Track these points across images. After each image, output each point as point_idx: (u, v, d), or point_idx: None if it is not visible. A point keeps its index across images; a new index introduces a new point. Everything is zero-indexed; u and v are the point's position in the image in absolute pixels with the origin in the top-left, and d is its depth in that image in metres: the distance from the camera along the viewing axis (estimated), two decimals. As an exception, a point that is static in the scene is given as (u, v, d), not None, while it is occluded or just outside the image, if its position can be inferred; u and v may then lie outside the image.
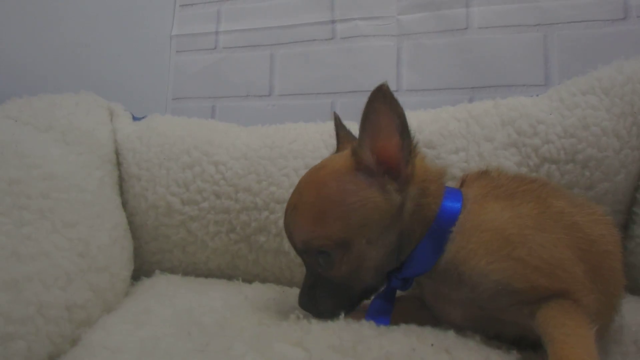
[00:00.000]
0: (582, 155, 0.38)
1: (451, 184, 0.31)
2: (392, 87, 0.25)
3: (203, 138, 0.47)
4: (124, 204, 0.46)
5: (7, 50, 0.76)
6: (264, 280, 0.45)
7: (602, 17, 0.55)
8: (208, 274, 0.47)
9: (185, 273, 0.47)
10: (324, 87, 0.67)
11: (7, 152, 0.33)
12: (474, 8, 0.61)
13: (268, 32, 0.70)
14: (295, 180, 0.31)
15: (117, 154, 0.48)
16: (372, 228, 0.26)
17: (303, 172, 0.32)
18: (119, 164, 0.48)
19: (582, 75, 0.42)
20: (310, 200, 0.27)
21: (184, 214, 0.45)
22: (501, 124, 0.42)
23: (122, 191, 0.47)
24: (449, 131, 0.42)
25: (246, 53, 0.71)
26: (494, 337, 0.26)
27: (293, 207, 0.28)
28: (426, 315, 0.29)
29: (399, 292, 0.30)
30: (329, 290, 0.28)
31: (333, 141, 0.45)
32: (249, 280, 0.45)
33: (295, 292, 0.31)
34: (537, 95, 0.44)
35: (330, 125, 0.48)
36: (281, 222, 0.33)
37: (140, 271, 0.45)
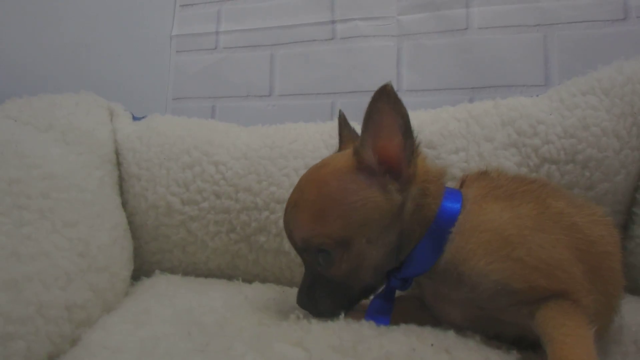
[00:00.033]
0: (582, 156, 0.38)
1: (451, 184, 0.31)
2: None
3: (203, 138, 0.48)
4: (124, 204, 0.46)
5: (7, 50, 0.76)
6: (264, 280, 0.45)
7: (602, 18, 0.55)
8: (208, 274, 0.47)
9: (185, 273, 0.47)
10: (324, 87, 0.67)
11: (7, 151, 0.33)
12: (474, 8, 0.61)
13: (268, 32, 0.70)
14: (296, 180, 0.31)
15: (117, 153, 0.48)
16: (373, 227, 0.26)
17: (303, 172, 0.31)
18: (119, 164, 0.48)
19: (582, 75, 0.42)
20: (311, 198, 0.27)
21: (184, 214, 0.45)
22: (501, 124, 0.42)
23: (122, 191, 0.47)
24: (449, 131, 0.42)
25: (246, 53, 0.71)
26: (493, 337, 0.26)
27: (293, 205, 0.28)
28: (426, 315, 0.29)
29: (398, 292, 0.30)
30: (328, 289, 0.28)
31: (333, 141, 0.45)
32: (249, 280, 0.45)
33: (295, 292, 0.30)
34: (537, 96, 0.44)
35: (330, 125, 0.48)
36: (281, 222, 0.33)
37: (140, 271, 0.45)
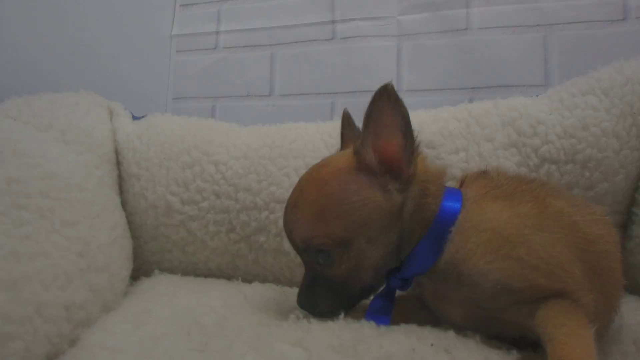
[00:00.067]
0: (581, 156, 0.39)
1: (451, 183, 0.31)
2: (393, 87, 0.25)
3: (203, 137, 0.47)
4: (124, 204, 0.46)
5: (7, 49, 0.76)
6: (263, 280, 0.45)
7: (601, 18, 0.55)
8: (208, 274, 0.47)
9: (185, 273, 0.46)
10: (324, 87, 0.67)
11: (7, 151, 0.32)
12: (474, 9, 0.61)
13: (268, 32, 0.70)
14: (296, 180, 0.31)
15: (117, 153, 0.48)
16: (373, 228, 0.26)
17: (303, 171, 0.31)
18: (118, 164, 0.48)
19: (582, 75, 0.42)
20: (311, 198, 0.27)
21: (183, 214, 0.45)
22: (501, 124, 0.42)
23: (121, 190, 0.47)
24: (449, 131, 0.42)
25: (246, 53, 0.71)
26: (494, 337, 0.26)
27: (293, 205, 0.28)
28: (426, 315, 0.29)
29: (398, 292, 0.30)
30: (328, 289, 0.28)
31: (333, 141, 0.45)
32: (248, 280, 0.45)
33: (295, 291, 0.30)
34: (537, 96, 0.44)
35: (330, 125, 0.48)
36: (281, 222, 0.33)
37: (140, 271, 0.45)
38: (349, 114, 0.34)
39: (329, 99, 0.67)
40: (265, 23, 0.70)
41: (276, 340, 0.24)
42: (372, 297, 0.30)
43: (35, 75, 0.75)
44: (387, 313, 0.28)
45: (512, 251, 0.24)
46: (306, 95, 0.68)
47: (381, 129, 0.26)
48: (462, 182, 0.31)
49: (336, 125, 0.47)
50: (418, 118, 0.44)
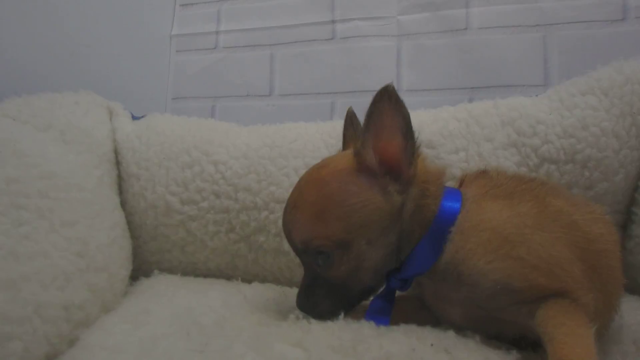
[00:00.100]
0: (581, 156, 0.39)
1: (450, 183, 0.31)
2: (392, 87, 0.25)
3: (203, 137, 0.47)
4: (123, 204, 0.46)
5: (7, 49, 0.76)
6: (263, 280, 0.45)
7: (601, 18, 0.55)
8: (207, 274, 0.46)
9: (184, 273, 0.46)
10: (324, 87, 0.67)
11: (6, 151, 0.32)
12: (473, 9, 0.61)
13: (268, 32, 0.70)
14: (295, 180, 0.31)
15: (116, 153, 0.48)
16: (373, 229, 0.26)
17: (303, 171, 0.31)
18: (118, 163, 0.48)
19: (582, 75, 0.42)
20: (310, 199, 0.27)
21: (183, 214, 0.45)
22: (501, 124, 0.42)
23: (121, 190, 0.47)
24: (449, 131, 0.42)
25: (246, 53, 0.71)
26: (493, 337, 0.26)
27: (293, 206, 0.28)
28: (426, 315, 0.29)
29: (398, 293, 0.30)
30: (327, 290, 0.28)
31: (333, 141, 0.45)
32: (248, 280, 0.45)
33: (295, 292, 0.30)
34: (537, 96, 0.44)
35: (330, 125, 0.48)
36: (281, 222, 0.33)
37: (139, 271, 0.45)
38: (354, 113, 0.34)
39: (329, 99, 0.67)
40: (265, 23, 0.70)
41: (276, 341, 0.24)
42: (371, 298, 0.29)
43: (35, 75, 0.75)
44: (387, 313, 0.28)
45: (512, 251, 0.24)
46: (306, 95, 0.68)
47: (382, 130, 0.26)
48: (462, 182, 0.31)
49: (336, 125, 0.47)
50: (418, 118, 0.44)
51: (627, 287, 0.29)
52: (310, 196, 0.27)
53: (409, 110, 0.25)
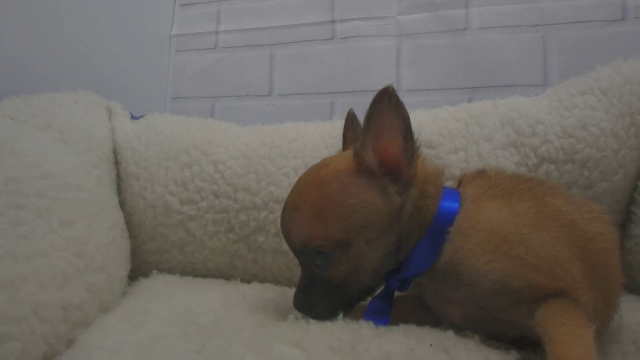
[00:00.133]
0: (580, 155, 0.39)
1: (449, 183, 0.31)
2: (392, 87, 0.25)
3: (202, 137, 0.47)
4: (122, 203, 0.46)
5: (7, 49, 0.75)
6: (262, 280, 0.45)
7: (600, 18, 0.55)
8: (206, 274, 0.46)
9: (183, 273, 0.46)
10: (324, 87, 0.67)
11: (4, 150, 0.32)
12: (473, 9, 0.61)
13: (268, 32, 0.70)
14: (295, 180, 0.31)
15: (116, 152, 0.48)
16: (372, 229, 0.26)
17: (302, 171, 0.31)
18: (117, 163, 0.48)
19: (581, 75, 0.43)
20: (310, 199, 0.27)
21: (182, 214, 0.45)
22: (500, 124, 0.42)
23: (120, 190, 0.47)
24: (449, 131, 0.42)
25: (246, 53, 0.71)
26: (493, 337, 0.26)
27: (292, 206, 0.28)
28: (425, 315, 0.29)
29: (397, 293, 0.30)
30: (325, 291, 0.28)
31: (332, 141, 0.45)
32: (247, 280, 0.45)
33: (294, 292, 0.30)
34: (536, 96, 0.44)
35: (330, 125, 0.48)
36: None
37: (138, 271, 0.45)
38: (354, 114, 0.34)
39: (329, 99, 0.67)
40: (265, 23, 0.70)
41: (275, 341, 0.24)
42: (370, 298, 0.29)
43: (35, 74, 0.75)
44: (386, 314, 0.28)
45: (511, 250, 0.24)
46: (305, 95, 0.68)
47: (381, 131, 0.26)
48: (460, 182, 0.31)
49: (336, 125, 0.47)
50: (417, 118, 0.44)
51: (626, 286, 0.28)
52: (310, 196, 0.27)
53: (409, 110, 0.25)
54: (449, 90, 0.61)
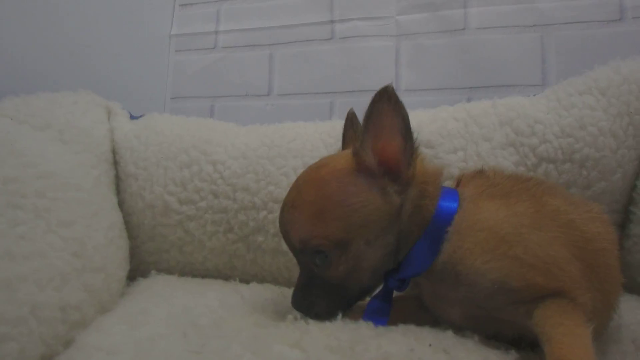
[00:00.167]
0: (579, 155, 0.39)
1: (448, 183, 0.31)
2: (391, 87, 0.25)
3: (201, 137, 0.47)
4: (121, 204, 0.46)
5: (6, 49, 0.75)
6: (261, 281, 0.45)
7: (598, 18, 0.56)
8: (205, 274, 0.46)
9: (182, 273, 0.46)
10: (323, 86, 0.67)
11: (3, 150, 0.32)
12: (472, 9, 0.61)
13: (267, 32, 0.70)
14: (294, 180, 0.31)
15: (115, 152, 0.48)
16: (371, 229, 0.26)
17: (301, 171, 0.31)
18: (116, 163, 0.48)
19: (579, 75, 0.43)
20: (309, 198, 0.27)
21: (181, 214, 0.45)
22: (499, 123, 0.42)
23: (118, 190, 0.47)
24: (448, 131, 0.43)
25: (245, 53, 0.71)
26: (492, 336, 0.26)
27: (291, 205, 0.28)
28: (424, 315, 0.29)
29: (396, 293, 0.30)
30: (324, 290, 0.28)
31: (332, 140, 0.45)
32: (246, 280, 0.45)
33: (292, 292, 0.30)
34: (535, 96, 0.44)
35: (329, 125, 0.48)
36: (279, 222, 0.33)
37: (137, 271, 0.44)
38: (355, 114, 0.34)
39: (328, 99, 0.67)
40: (264, 23, 0.70)
41: (274, 341, 0.24)
42: (369, 298, 0.29)
43: (35, 74, 0.75)
44: (385, 314, 0.28)
45: (509, 250, 0.24)
46: (305, 95, 0.68)
47: (381, 131, 0.25)
48: (459, 182, 0.31)
49: (335, 124, 0.47)
50: (416, 118, 0.44)
51: (625, 286, 0.28)
52: (309, 196, 0.27)
53: (408, 110, 0.25)
54: (448, 90, 0.61)
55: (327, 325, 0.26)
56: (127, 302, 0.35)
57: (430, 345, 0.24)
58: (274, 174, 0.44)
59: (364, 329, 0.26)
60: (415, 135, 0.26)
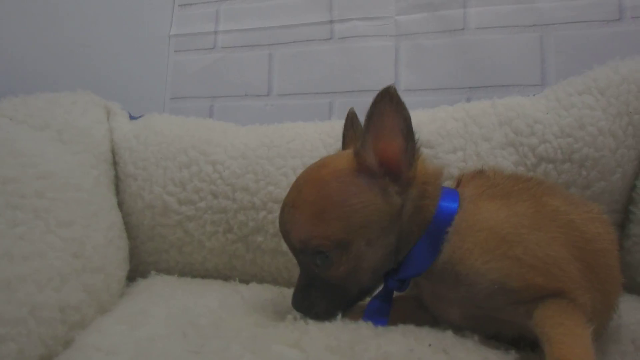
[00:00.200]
0: (578, 155, 0.39)
1: (448, 183, 0.31)
2: (390, 87, 0.25)
3: (201, 137, 0.47)
4: (120, 204, 0.46)
5: (6, 49, 0.75)
6: (261, 281, 0.45)
7: (597, 18, 0.56)
8: (205, 275, 0.46)
9: (182, 274, 0.46)
10: (323, 87, 0.67)
11: (2, 150, 0.32)
12: (471, 9, 0.61)
13: (267, 32, 0.70)
14: (293, 180, 0.31)
15: (114, 153, 0.48)
16: (372, 230, 0.26)
17: (301, 171, 0.31)
18: (115, 163, 0.48)
19: (578, 75, 0.43)
20: (310, 198, 0.27)
21: (180, 214, 0.45)
22: (498, 123, 0.42)
23: (118, 190, 0.47)
24: (447, 131, 0.43)
25: (245, 53, 0.71)
26: (492, 337, 0.26)
27: (291, 205, 0.28)
28: (424, 315, 0.29)
29: (396, 293, 0.30)
30: (324, 291, 0.28)
31: (331, 140, 0.45)
32: (246, 280, 0.45)
33: (292, 292, 0.30)
34: (534, 95, 0.44)
35: (328, 125, 0.48)
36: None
37: (136, 272, 0.44)
38: (355, 114, 0.33)
39: (327, 99, 0.67)
40: (264, 23, 0.70)
41: (273, 342, 0.24)
42: (369, 299, 0.29)
43: (34, 74, 0.75)
44: (384, 314, 0.28)
45: (509, 250, 0.24)
46: (304, 95, 0.68)
47: (382, 131, 0.25)
48: (459, 182, 0.31)
49: (334, 124, 0.47)
50: (416, 118, 0.43)
51: (625, 286, 0.29)
52: (310, 196, 0.27)
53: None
54: (447, 90, 0.61)
55: (327, 326, 0.26)
56: (127, 302, 0.35)
57: (429, 345, 0.24)
58: (273, 174, 0.44)
59: (364, 329, 0.26)
60: (416, 136, 0.26)
